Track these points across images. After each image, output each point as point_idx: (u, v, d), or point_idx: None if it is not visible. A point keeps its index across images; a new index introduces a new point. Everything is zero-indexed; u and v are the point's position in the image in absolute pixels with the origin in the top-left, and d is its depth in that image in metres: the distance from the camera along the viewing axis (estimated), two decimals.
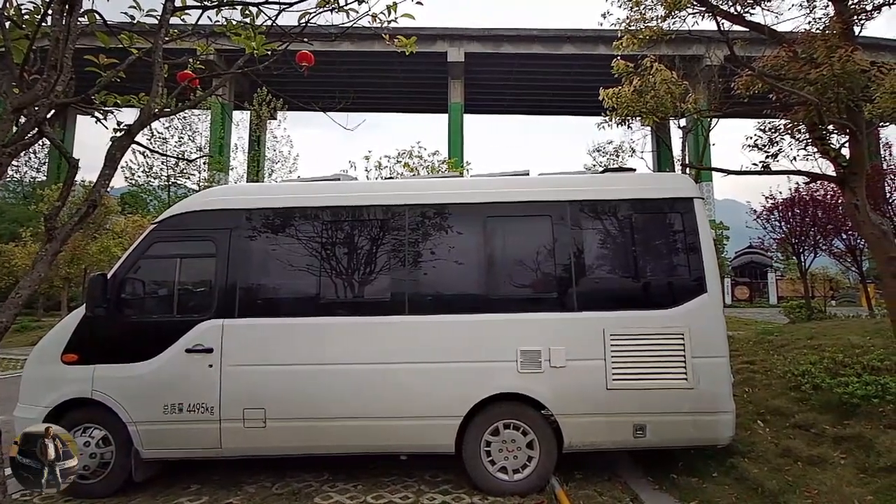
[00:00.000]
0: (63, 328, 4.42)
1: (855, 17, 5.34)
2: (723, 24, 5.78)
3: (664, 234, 4.58)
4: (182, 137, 21.51)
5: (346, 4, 3.26)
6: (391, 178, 15.41)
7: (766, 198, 12.19)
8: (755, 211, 12.49)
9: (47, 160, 34.96)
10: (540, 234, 4.50)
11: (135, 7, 3.17)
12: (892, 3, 5.40)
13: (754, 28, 5.86)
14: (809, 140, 5.92)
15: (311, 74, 4.09)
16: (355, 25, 3.37)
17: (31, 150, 31.03)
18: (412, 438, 4.24)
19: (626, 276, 4.53)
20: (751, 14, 5.93)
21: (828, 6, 5.70)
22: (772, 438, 4.63)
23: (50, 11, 2.73)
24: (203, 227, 4.59)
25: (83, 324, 4.34)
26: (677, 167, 12.48)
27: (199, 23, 3.37)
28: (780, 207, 11.69)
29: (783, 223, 11.75)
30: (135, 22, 3.23)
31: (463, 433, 4.21)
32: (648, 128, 10.51)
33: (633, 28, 6.47)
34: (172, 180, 21.35)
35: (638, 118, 7.46)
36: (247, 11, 3.33)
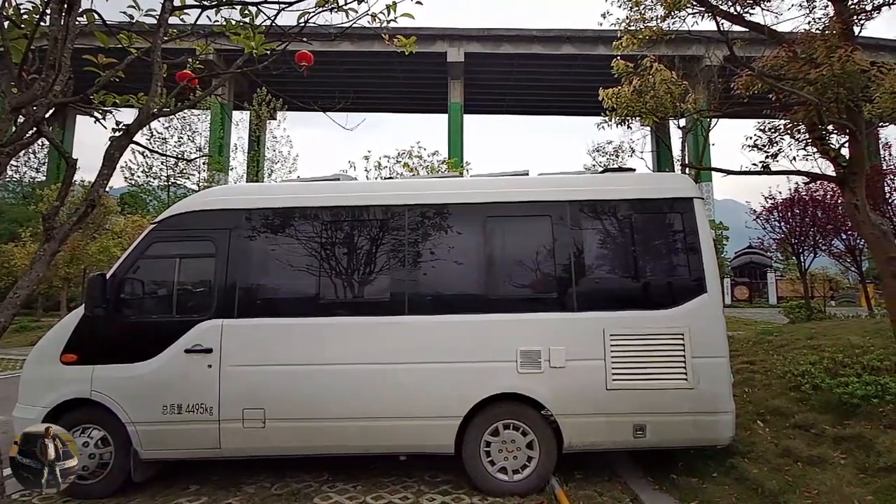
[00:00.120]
0: (62, 328, 4.41)
1: (855, 17, 5.33)
2: (722, 24, 5.77)
3: (664, 234, 4.57)
4: (181, 137, 21.48)
5: (346, 4, 3.25)
6: (391, 178, 15.41)
7: (766, 198, 12.21)
8: (755, 211, 12.50)
9: (47, 160, 34.91)
10: (540, 235, 4.50)
11: (133, 7, 3.17)
12: (892, 3, 5.39)
13: (754, 28, 5.86)
14: (809, 140, 5.91)
15: (310, 74, 4.09)
16: (355, 25, 3.37)
17: (30, 150, 31.02)
18: (412, 439, 4.23)
19: (625, 276, 4.52)
20: (750, 14, 5.92)
21: (828, 6, 5.69)
22: (772, 438, 4.62)
23: (48, 11, 2.72)
24: (202, 227, 4.58)
25: (82, 324, 4.34)
26: (677, 167, 12.49)
27: (199, 23, 3.36)
28: (780, 207, 11.69)
29: (783, 223, 11.75)
30: (133, 21, 3.23)
31: (463, 433, 4.20)
32: (648, 128, 10.51)
33: (632, 28, 6.47)
34: (172, 180, 21.33)
35: (637, 118, 7.46)
36: (246, 11, 3.32)
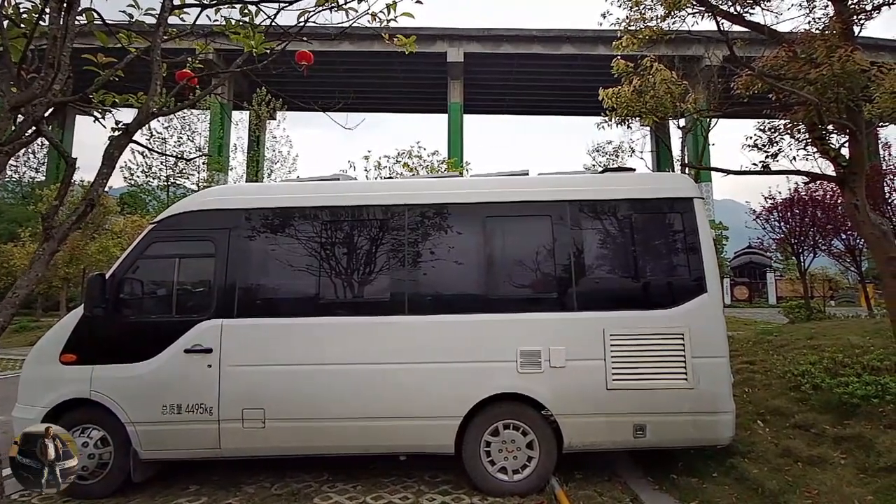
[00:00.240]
0: (61, 328, 4.41)
1: (855, 17, 5.33)
2: (722, 24, 5.78)
3: (664, 234, 4.57)
4: (181, 137, 21.50)
5: (346, 3, 3.25)
6: (390, 178, 15.41)
7: (766, 198, 12.22)
8: (754, 211, 12.50)
9: (46, 160, 34.89)
10: (539, 234, 4.49)
11: (133, 6, 3.16)
12: (892, 3, 5.39)
13: (754, 28, 5.86)
14: (809, 140, 5.91)
15: (310, 74, 4.09)
16: (355, 25, 3.36)
17: (29, 150, 31.02)
18: (412, 439, 4.23)
19: (625, 276, 4.52)
20: (750, 14, 5.92)
21: (828, 6, 5.69)
22: (772, 438, 4.62)
23: (48, 10, 2.72)
24: (202, 227, 4.58)
25: (82, 324, 4.33)
26: (677, 167, 12.49)
27: (198, 22, 3.36)
28: (780, 207, 11.70)
29: (782, 223, 11.75)
30: (133, 21, 3.22)
31: (463, 433, 4.20)
32: (648, 128, 10.51)
33: (632, 28, 6.46)
34: (171, 180, 21.33)
35: (637, 118, 7.46)
36: (245, 10, 3.32)
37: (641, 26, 6.40)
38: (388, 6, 3.25)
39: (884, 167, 10.52)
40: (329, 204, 4.63)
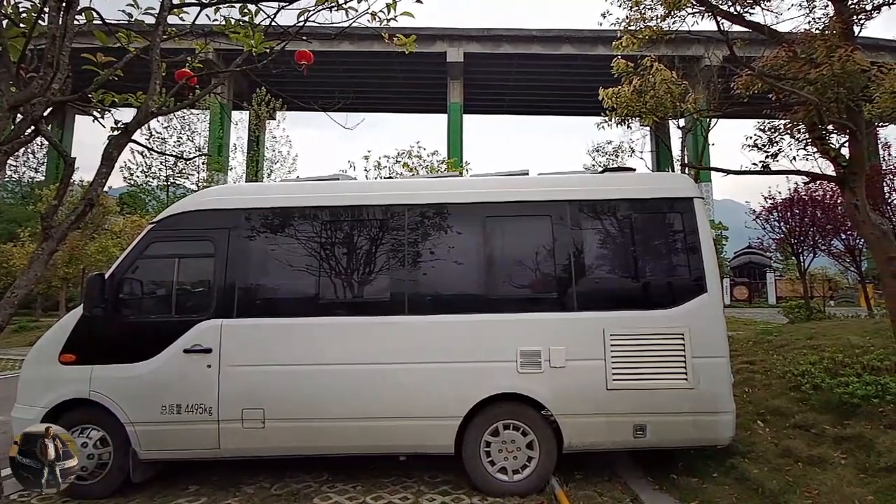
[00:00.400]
0: (61, 328, 4.40)
1: (855, 17, 5.33)
2: (723, 23, 5.77)
3: (664, 233, 4.56)
4: (181, 137, 21.49)
5: (346, 2, 3.24)
6: (390, 178, 15.40)
7: (766, 198, 12.21)
8: (754, 211, 12.50)
9: (46, 160, 34.87)
10: (539, 234, 4.49)
11: (132, 5, 3.15)
12: (892, 3, 5.39)
13: (754, 28, 5.86)
14: (809, 140, 5.90)
15: (310, 74, 4.08)
16: (354, 25, 3.36)
17: (29, 149, 30.96)
18: (411, 439, 4.22)
19: (625, 275, 4.52)
20: (750, 14, 5.92)
21: (828, 6, 5.69)
22: (772, 438, 4.62)
23: (47, 9, 2.71)
24: (201, 226, 4.57)
25: (81, 324, 4.32)
26: (677, 167, 12.49)
27: (198, 22, 3.35)
28: (779, 207, 11.69)
29: (782, 223, 11.75)
30: (132, 20, 3.21)
31: (462, 433, 4.19)
32: (648, 128, 10.51)
33: (632, 28, 6.46)
34: (171, 180, 21.32)
35: (637, 118, 7.46)
36: (245, 10, 3.31)
37: (641, 26, 6.40)
38: (387, 6, 3.25)
39: (884, 167, 10.51)
40: (329, 204, 4.63)
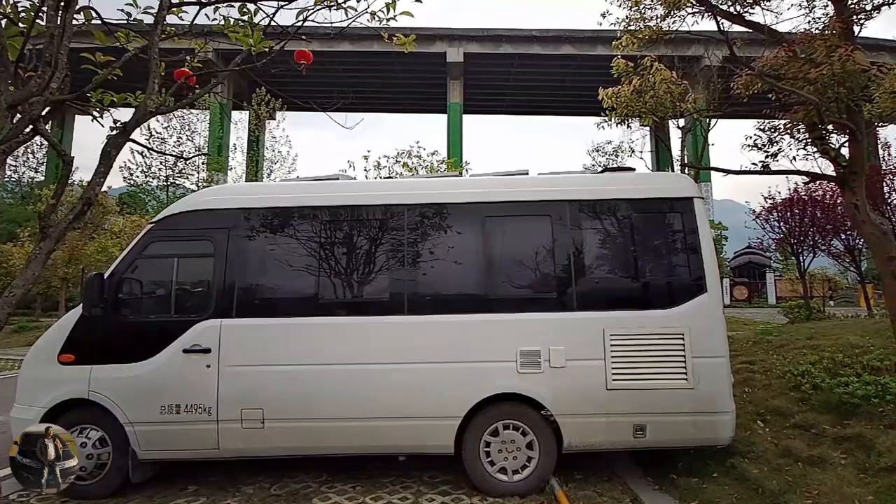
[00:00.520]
0: (60, 328, 4.39)
1: (855, 17, 5.33)
2: (722, 23, 5.77)
3: (664, 233, 4.56)
4: (181, 137, 21.49)
5: (345, 2, 3.24)
6: (390, 177, 15.39)
7: (765, 198, 12.21)
8: (754, 211, 12.50)
9: (45, 160, 34.83)
10: (539, 234, 4.48)
11: (131, 4, 3.15)
12: (892, 3, 5.39)
13: (754, 28, 5.85)
14: (809, 140, 5.90)
15: (310, 74, 4.08)
16: (354, 24, 3.35)
17: (29, 149, 30.92)
18: (411, 439, 4.22)
19: (625, 275, 4.51)
20: (750, 14, 5.91)
21: (828, 6, 5.69)
22: (772, 438, 4.62)
23: (45, 8, 2.71)
24: (200, 226, 4.56)
25: (80, 324, 4.32)
26: (676, 167, 12.49)
27: (197, 21, 3.34)
28: (779, 207, 11.69)
29: (782, 223, 11.74)
30: (131, 19, 3.21)
31: (462, 434, 4.19)
32: (648, 128, 10.52)
33: (632, 28, 6.46)
34: (171, 180, 21.31)
35: (637, 118, 7.46)
36: (244, 9, 3.31)
37: (641, 26, 6.40)
38: (387, 5, 3.24)
39: (884, 167, 10.51)
40: (328, 204, 4.62)
